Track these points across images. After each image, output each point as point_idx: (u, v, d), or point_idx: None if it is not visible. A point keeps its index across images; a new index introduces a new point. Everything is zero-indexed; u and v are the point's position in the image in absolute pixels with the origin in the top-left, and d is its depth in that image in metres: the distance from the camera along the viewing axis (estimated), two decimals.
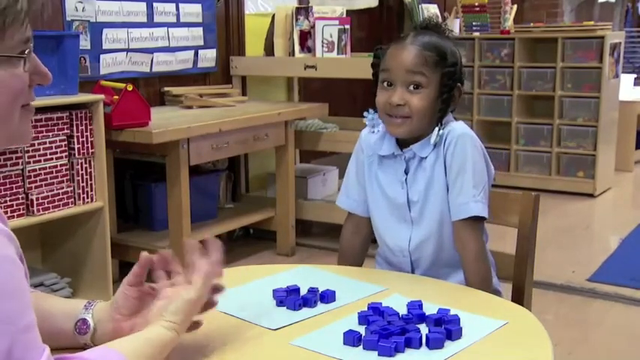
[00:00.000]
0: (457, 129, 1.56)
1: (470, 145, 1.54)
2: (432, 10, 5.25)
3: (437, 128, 1.56)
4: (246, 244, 3.98)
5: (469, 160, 1.53)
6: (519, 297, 1.67)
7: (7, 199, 2.55)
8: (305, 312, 1.31)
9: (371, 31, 5.22)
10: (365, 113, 1.65)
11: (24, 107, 0.98)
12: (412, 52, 1.53)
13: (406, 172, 1.59)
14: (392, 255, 1.65)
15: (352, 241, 1.74)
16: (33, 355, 0.87)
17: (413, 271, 1.63)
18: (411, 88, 1.53)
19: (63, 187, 2.72)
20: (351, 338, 1.17)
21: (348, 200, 1.71)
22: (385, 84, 1.57)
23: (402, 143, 1.61)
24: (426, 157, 1.57)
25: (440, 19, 4.59)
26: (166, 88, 3.66)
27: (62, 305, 1.16)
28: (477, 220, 1.55)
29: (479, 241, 1.56)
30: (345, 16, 4.00)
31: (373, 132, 1.65)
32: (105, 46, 3.32)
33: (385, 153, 1.62)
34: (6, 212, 2.55)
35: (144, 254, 1.15)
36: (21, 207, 2.60)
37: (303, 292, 1.37)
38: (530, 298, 1.71)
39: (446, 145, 1.55)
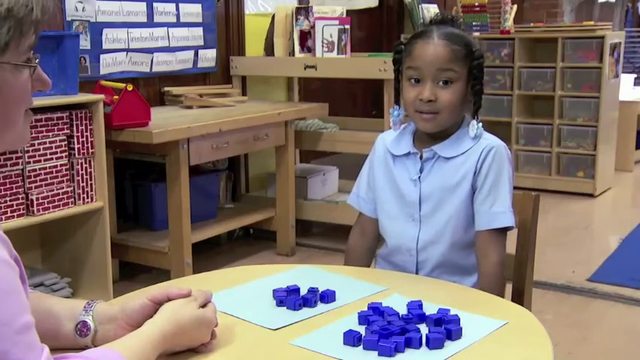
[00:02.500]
0: (494, 139, 1.59)
1: (506, 157, 1.57)
2: (432, 10, 5.26)
3: (474, 121, 1.57)
4: (246, 244, 3.98)
5: (506, 171, 1.56)
6: (519, 297, 1.67)
7: (7, 199, 2.55)
8: (305, 312, 1.31)
9: (371, 31, 5.22)
10: (391, 110, 1.65)
11: (26, 111, 1.00)
12: (441, 48, 1.53)
13: (420, 171, 1.60)
14: (397, 254, 1.64)
15: (358, 244, 1.74)
16: (31, 356, 0.87)
17: (417, 272, 1.63)
18: (441, 83, 1.54)
19: (63, 187, 2.72)
20: (351, 338, 1.17)
21: (357, 199, 1.73)
22: (412, 80, 1.56)
23: (420, 142, 1.61)
24: (450, 158, 1.57)
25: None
26: (166, 88, 3.66)
27: (62, 306, 1.16)
28: (503, 231, 1.57)
29: (503, 252, 1.57)
30: (345, 16, 4.00)
31: (397, 129, 1.65)
32: (105, 46, 3.32)
33: (400, 153, 1.63)
34: (5, 212, 2.55)
35: (189, 289, 1.17)
36: (21, 207, 2.60)
37: (303, 292, 1.37)
38: (530, 298, 1.70)
39: (484, 154, 1.55)
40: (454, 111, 1.56)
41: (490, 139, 1.59)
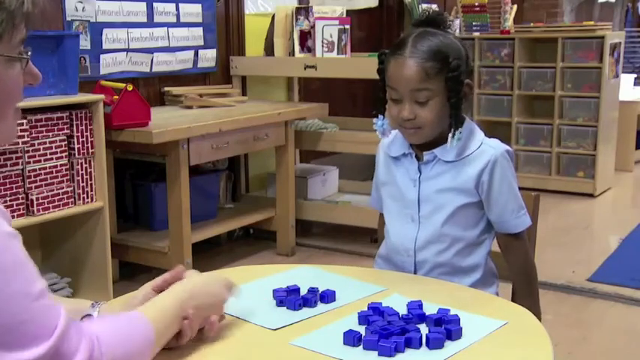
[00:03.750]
0: (497, 146, 1.58)
1: (510, 162, 1.59)
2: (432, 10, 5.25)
3: (452, 131, 1.54)
4: (246, 244, 3.98)
5: (512, 176, 1.59)
6: None
7: (7, 199, 2.55)
8: (305, 312, 1.31)
9: (371, 31, 5.22)
10: (374, 120, 1.64)
11: (15, 108, 1.00)
12: (413, 69, 1.50)
13: (420, 172, 1.60)
14: (396, 254, 1.65)
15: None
16: (51, 318, 0.91)
17: (415, 273, 1.63)
18: (418, 101, 1.53)
19: (63, 187, 2.72)
20: (351, 338, 1.17)
21: (372, 200, 1.78)
22: (393, 98, 1.56)
23: (420, 144, 1.61)
24: (451, 162, 1.57)
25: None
26: (166, 88, 3.66)
27: (67, 304, 1.16)
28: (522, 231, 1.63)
29: (527, 244, 1.64)
30: (345, 16, 4.00)
31: (385, 137, 1.66)
32: (105, 46, 3.32)
33: (396, 154, 1.63)
34: None
35: (181, 266, 1.25)
36: (21, 207, 2.60)
37: (303, 292, 1.37)
38: None
39: (490, 165, 1.55)
40: (436, 124, 1.55)
41: (494, 147, 1.58)
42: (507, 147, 1.60)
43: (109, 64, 3.35)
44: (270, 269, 1.57)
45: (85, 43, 3.20)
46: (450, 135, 1.54)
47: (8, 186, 2.56)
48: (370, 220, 1.94)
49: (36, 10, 0.96)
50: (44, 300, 0.91)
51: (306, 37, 3.87)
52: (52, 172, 2.68)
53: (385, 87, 1.58)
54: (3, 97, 0.96)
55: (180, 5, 3.66)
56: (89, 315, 1.14)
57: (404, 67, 1.51)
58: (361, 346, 1.16)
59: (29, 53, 0.98)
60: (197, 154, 3.14)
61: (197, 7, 3.75)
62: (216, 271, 1.64)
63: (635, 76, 6.50)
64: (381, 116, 1.62)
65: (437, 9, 5.16)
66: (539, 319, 1.41)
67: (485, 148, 1.57)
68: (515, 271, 1.65)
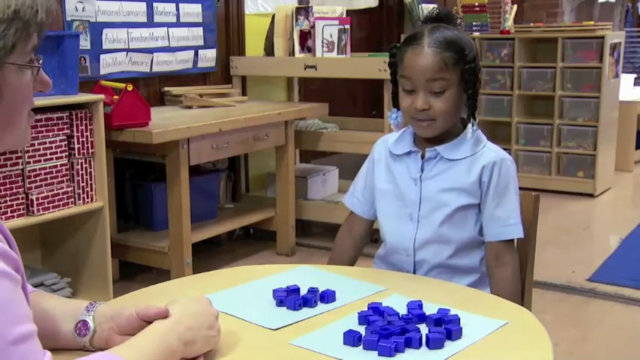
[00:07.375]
0: (500, 152, 1.59)
1: (512, 168, 1.59)
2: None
3: (469, 124, 1.55)
4: (246, 244, 3.98)
5: (513, 183, 1.58)
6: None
7: (7, 199, 2.55)
8: (305, 312, 1.31)
9: (371, 31, 5.22)
10: (389, 113, 1.64)
11: (28, 112, 1.01)
12: (430, 58, 1.51)
13: (422, 170, 1.59)
14: (395, 254, 1.64)
15: (344, 240, 1.77)
16: None
17: (414, 273, 1.63)
18: (433, 91, 1.53)
19: (63, 187, 2.72)
20: (351, 338, 1.17)
21: (351, 198, 1.75)
22: (406, 89, 1.56)
23: (422, 142, 1.61)
24: (453, 160, 1.57)
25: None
26: (166, 88, 3.66)
27: (64, 306, 1.16)
28: (512, 240, 1.60)
29: (517, 259, 1.60)
30: (345, 16, 4.00)
31: (399, 132, 1.65)
32: (105, 46, 3.32)
33: (401, 152, 1.63)
34: (5, 212, 2.55)
35: (168, 307, 1.13)
36: (21, 207, 2.60)
37: (303, 292, 1.37)
38: (530, 298, 1.71)
39: (489, 166, 1.55)
40: (450, 116, 1.55)
41: (496, 152, 1.59)
42: (509, 156, 1.61)
43: (109, 64, 3.35)
44: (270, 269, 1.56)
45: (85, 43, 3.20)
46: (470, 125, 1.55)
47: (8, 186, 2.56)
48: None
49: (49, 19, 0.96)
50: (24, 345, 0.87)
51: (306, 37, 3.87)
52: (52, 172, 2.68)
53: (397, 80, 1.59)
54: (16, 104, 0.96)
55: (180, 5, 3.66)
56: (84, 321, 1.12)
57: (422, 56, 1.52)
58: (361, 346, 1.16)
59: (40, 62, 0.99)
60: (197, 154, 3.14)
61: (197, 7, 3.75)
62: (218, 271, 1.65)
63: (635, 76, 6.50)
64: (395, 109, 1.63)
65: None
66: None
67: (487, 151, 1.58)
68: (499, 286, 1.57)
